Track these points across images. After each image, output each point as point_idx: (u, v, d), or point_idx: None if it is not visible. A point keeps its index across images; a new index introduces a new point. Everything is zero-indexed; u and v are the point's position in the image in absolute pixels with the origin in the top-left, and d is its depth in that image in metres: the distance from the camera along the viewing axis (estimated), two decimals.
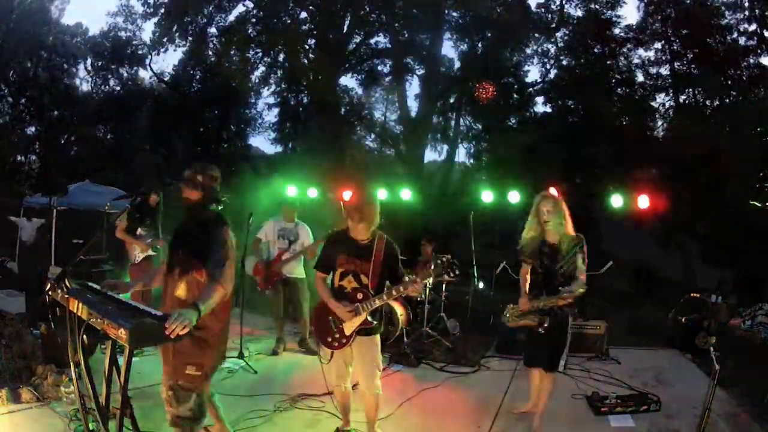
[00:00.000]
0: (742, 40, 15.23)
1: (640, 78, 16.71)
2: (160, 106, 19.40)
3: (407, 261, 5.26)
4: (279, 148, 20.18)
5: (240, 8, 18.61)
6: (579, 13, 17.20)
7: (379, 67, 19.45)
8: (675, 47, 16.28)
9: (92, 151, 19.09)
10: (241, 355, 5.20)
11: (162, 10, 18.23)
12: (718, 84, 15.00)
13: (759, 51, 14.92)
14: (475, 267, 6.93)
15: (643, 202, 6.06)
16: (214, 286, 2.59)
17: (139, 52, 19.16)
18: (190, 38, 18.71)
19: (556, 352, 3.77)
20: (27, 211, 10.72)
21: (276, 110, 19.80)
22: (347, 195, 7.25)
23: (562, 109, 17.45)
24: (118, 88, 19.80)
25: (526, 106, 18.02)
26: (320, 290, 3.45)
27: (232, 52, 18.91)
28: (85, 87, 19.92)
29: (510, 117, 17.98)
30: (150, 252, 5.47)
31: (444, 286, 6.79)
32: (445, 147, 19.36)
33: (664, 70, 16.52)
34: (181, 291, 2.77)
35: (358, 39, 19.06)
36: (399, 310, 5.99)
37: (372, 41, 19.10)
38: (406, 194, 7.60)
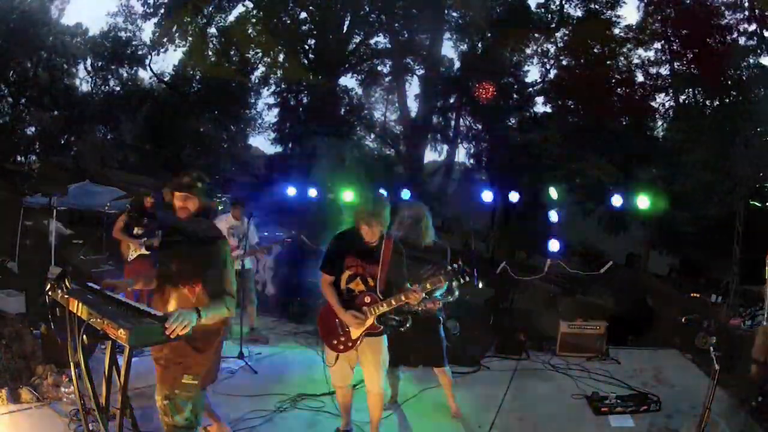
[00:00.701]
0: (742, 40, 15.25)
1: (640, 78, 16.76)
2: (160, 106, 19.41)
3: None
4: (279, 148, 20.23)
5: (240, 8, 18.67)
6: (579, 13, 17.24)
7: (379, 67, 19.50)
8: (675, 47, 16.29)
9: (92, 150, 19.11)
10: (241, 355, 5.20)
11: (162, 10, 18.24)
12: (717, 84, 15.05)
13: (759, 51, 14.93)
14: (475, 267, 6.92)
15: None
16: (220, 304, 2.58)
17: (139, 52, 19.16)
18: (190, 38, 18.72)
19: None
20: (27, 211, 10.70)
21: (276, 110, 19.86)
22: (349, 196, 7.28)
23: (562, 109, 17.45)
24: (118, 89, 19.80)
25: (526, 106, 18.03)
26: (328, 295, 3.36)
27: (232, 52, 18.92)
28: (85, 87, 19.94)
29: (510, 117, 17.98)
30: (143, 251, 5.51)
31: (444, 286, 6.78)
32: (445, 147, 19.39)
33: (664, 70, 16.55)
34: (170, 306, 2.74)
35: (358, 39, 19.09)
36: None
37: (372, 41, 19.14)
38: (406, 194, 7.63)
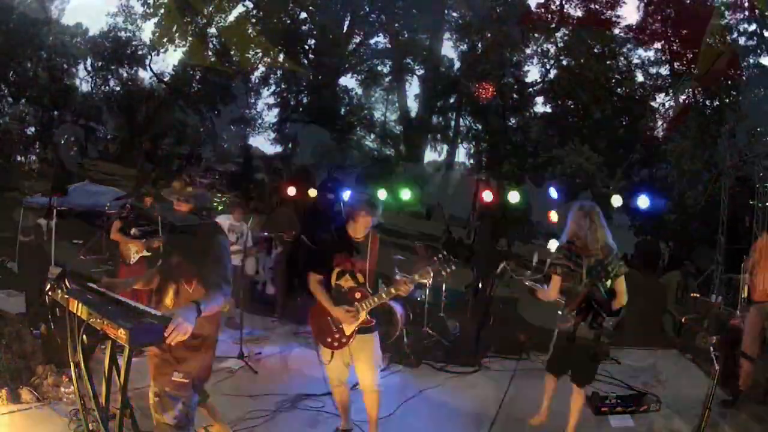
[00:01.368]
0: (742, 40, 15.25)
1: (640, 78, 16.77)
2: (160, 106, 19.42)
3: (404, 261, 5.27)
4: (279, 148, 20.24)
5: (240, 8, 18.67)
6: (579, 13, 17.24)
7: (379, 67, 19.49)
8: (675, 47, 16.30)
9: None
10: (241, 355, 5.20)
11: (162, 11, 18.25)
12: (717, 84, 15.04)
13: (759, 51, 14.94)
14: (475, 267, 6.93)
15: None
16: (218, 296, 2.59)
17: (139, 52, 19.16)
18: (190, 38, 18.72)
19: None
20: (27, 211, 10.69)
21: (276, 110, 19.87)
22: (347, 194, 7.29)
23: (562, 109, 17.46)
24: (118, 89, 19.80)
25: (526, 106, 18.03)
26: (318, 294, 3.37)
27: (232, 52, 18.92)
28: (85, 87, 19.93)
29: (510, 117, 17.99)
30: (145, 252, 5.48)
31: (444, 286, 6.79)
32: (445, 147, 19.40)
33: (664, 70, 16.55)
34: (169, 301, 2.76)
35: (358, 39, 19.09)
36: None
37: (372, 41, 19.15)
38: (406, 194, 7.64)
